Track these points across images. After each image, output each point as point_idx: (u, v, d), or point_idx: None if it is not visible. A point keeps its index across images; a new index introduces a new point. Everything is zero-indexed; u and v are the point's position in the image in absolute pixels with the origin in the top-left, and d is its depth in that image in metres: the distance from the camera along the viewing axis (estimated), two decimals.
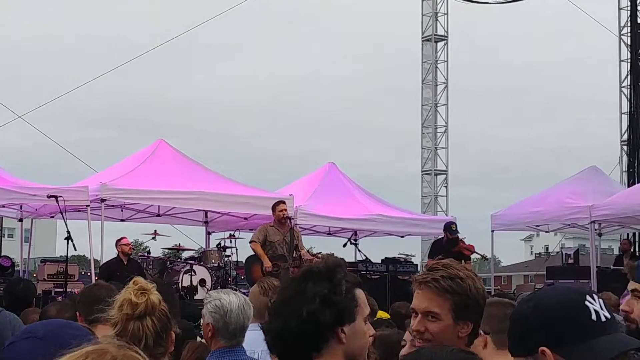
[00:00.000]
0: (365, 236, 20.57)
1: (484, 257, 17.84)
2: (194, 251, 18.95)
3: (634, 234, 21.94)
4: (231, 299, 5.05)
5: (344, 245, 17.72)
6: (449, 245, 16.16)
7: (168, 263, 16.96)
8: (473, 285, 3.20)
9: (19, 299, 7.34)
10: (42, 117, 24.52)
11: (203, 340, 5.43)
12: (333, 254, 16.20)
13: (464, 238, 17.15)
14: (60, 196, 14.11)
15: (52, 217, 17.23)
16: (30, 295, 7.67)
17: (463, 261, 15.28)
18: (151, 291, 3.51)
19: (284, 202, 14.77)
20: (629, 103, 25.22)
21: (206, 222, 19.54)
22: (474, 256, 17.31)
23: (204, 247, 19.18)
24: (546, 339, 2.35)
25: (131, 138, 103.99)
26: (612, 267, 19.33)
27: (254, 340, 5.00)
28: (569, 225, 20.09)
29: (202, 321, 5.16)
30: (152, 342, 3.43)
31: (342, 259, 2.85)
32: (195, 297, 15.12)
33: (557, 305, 2.39)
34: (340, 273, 2.90)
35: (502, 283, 61.75)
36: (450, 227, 16.63)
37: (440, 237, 17.33)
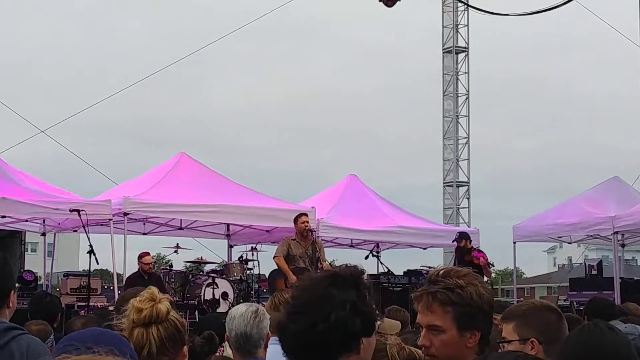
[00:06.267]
0: (388, 248, 20.52)
1: (490, 265, 17.76)
2: (216, 264, 18.93)
3: None
4: (239, 307, 4.98)
5: (366, 258, 17.67)
6: (460, 254, 16.39)
7: (190, 276, 16.97)
8: (475, 293, 3.08)
9: (44, 313, 7.46)
10: (64, 131, 24.60)
11: (226, 355, 5.39)
12: (356, 266, 16.17)
13: (478, 246, 17.23)
14: (82, 210, 14.00)
15: (75, 231, 17.23)
16: (55, 310, 7.81)
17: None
18: (160, 300, 3.51)
19: (305, 215, 14.73)
20: None
21: (228, 235, 19.54)
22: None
23: (226, 260, 19.15)
24: None
25: (149, 151, 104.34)
26: (635, 278, 19.24)
27: (271, 354, 4.95)
28: (592, 236, 20.00)
29: None
30: (155, 349, 3.43)
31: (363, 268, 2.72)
32: (218, 310, 15.14)
33: None
34: (364, 282, 2.81)
35: (525, 295, 61.42)
36: (455, 237, 17.11)
37: None
